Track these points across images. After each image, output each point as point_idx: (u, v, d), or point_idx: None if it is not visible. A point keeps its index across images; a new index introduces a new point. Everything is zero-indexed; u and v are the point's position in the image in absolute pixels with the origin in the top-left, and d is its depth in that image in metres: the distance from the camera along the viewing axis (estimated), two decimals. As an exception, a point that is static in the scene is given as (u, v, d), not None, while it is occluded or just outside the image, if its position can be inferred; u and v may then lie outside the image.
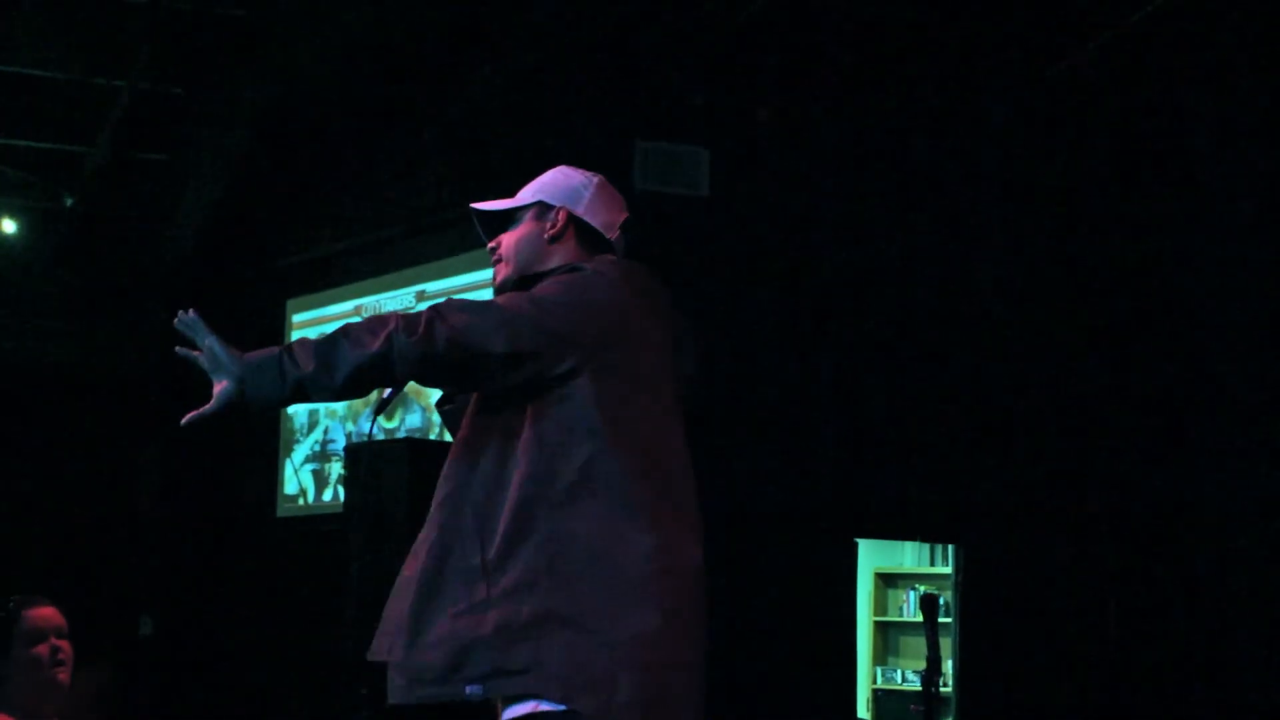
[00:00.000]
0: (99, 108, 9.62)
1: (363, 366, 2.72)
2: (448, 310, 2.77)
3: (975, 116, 8.81)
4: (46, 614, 3.87)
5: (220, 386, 2.79)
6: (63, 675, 3.85)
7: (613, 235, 3.14)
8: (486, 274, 8.81)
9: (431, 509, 2.94)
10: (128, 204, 11.11)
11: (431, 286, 9.33)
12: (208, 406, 2.82)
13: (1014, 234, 9.09)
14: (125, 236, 11.40)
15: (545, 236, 3.08)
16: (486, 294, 8.60)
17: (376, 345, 2.71)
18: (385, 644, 2.91)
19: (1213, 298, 8.74)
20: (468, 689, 2.78)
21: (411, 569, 2.91)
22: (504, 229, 3.14)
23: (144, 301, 11.73)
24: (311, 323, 10.40)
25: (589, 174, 3.17)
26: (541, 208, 3.11)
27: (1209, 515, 8.60)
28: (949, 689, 9.41)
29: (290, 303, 10.67)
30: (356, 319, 9.52)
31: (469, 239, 9.12)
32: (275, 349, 2.77)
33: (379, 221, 9.88)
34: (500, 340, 2.76)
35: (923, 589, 11.43)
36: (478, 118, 8.94)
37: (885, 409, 8.73)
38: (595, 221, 3.11)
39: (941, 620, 10.12)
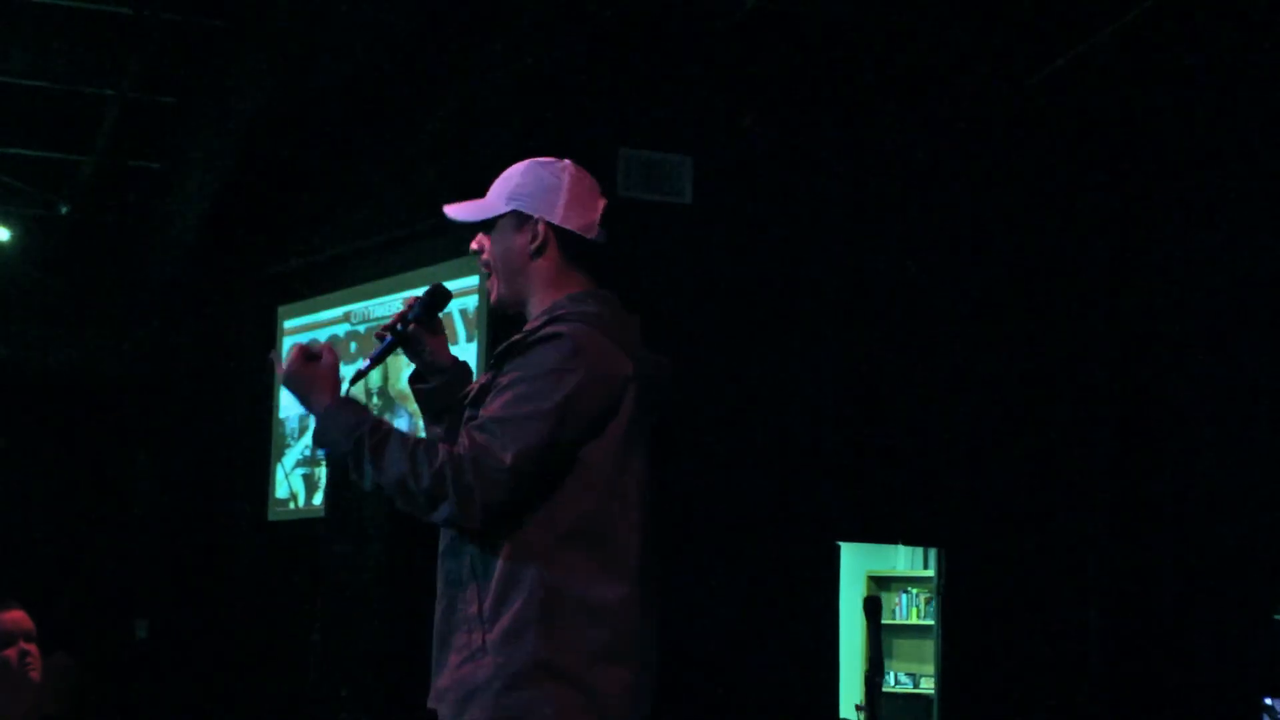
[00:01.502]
0: (91, 117, 9.70)
1: (397, 495, 2.86)
2: (470, 472, 2.80)
3: (963, 121, 8.85)
4: (16, 617, 3.94)
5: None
6: (33, 674, 3.93)
7: (593, 234, 3.11)
8: (473, 280, 8.89)
9: (439, 558, 3.01)
10: (120, 212, 11.20)
11: (421, 293, 9.37)
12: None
13: (1000, 238, 9.13)
14: (118, 244, 11.47)
15: (528, 251, 3.08)
16: (472, 301, 8.63)
17: (424, 492, 2.82)
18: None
19: (1204, 300, 8.78)
20: None
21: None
22: (484, 227, 3.15)
23: (137, 308, 11.81)
24: (303, 329, 10.46)
25: (558, 167, 3.13)
26: (518, 217, 3.09)
27: (1193, 518, 8.64)
28: (931, 691, 9.47)
29: (281, 309, 10.73)
30: (346, 325, 9.51)
31: (458, 246, 9.18)
32: (366, 420, 2.91)
33: (369, 228, 9.94)
34: (522, 480, 2.81)
35: (915, 592, 11.52)
36: (464, 125, 9.00)
37: (868, 412, 8.77)
38: (574, 226, 3.08)
39: (926, 623, 10.28)
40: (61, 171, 10.65)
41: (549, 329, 2.91)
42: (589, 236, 3.11)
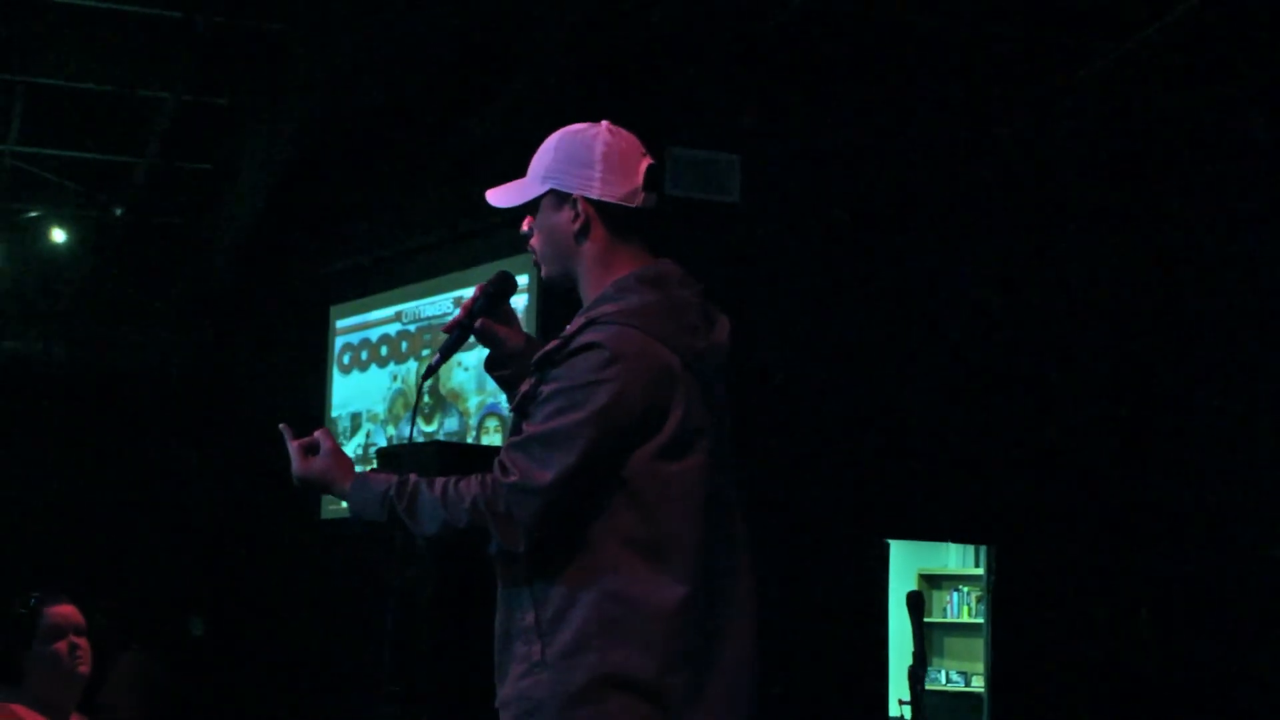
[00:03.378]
0: (145, 119, 9.80)
1: (447, 538, 2.81)
2: (504, 498, 2.73)
3: (1006, 122, 8.82)
4: (66, 611, 3.95)
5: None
6: (82, 668, 3.94)
7: (638, 201, 2.89)
8: (521, 280, 8.92)
9: (497, 566, 2.92)
10: (174, 213, 11.31)
11: (469, 293, 9.40)
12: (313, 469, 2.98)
13: (1045, 239, 9.10)
14: (172, 245, 11.58)
15: (571, 232, 2.91)
16: (523, 301, 8.66)
17: (467, 531, 2.77)
18: None
19: (1247, 298, 8.73)
20: None
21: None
22: (527, 209, 3.01)
23: (191, 309, 11.93)
24: (354, 328, 10.54)
25: (590, 134, 2.93)
26: (556, 195, 2.92)
27: (1244, 518, 8.59)
28: (982, 689, 9.45)
29: (333, 309, 10.81)
30: (398, 325, 9.56)
31: (508, 246, 9.23)
32: (390, 485, 2.84)
33: (420, 228, 9.99)
34: (560, 499, 2.73)
35: (967, 590, 11.49)
36: (514, 124, 9.03)
37: (918, 410, 8.76)
38: (616, 196, 2.88)
39: (978, 621, 10.25)
40: (116, 174, 10.77)
41: (585, 337, 2.76)
42: (633, 205, 2.89)
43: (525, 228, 3.02)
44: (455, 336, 3.11)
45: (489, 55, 8.73)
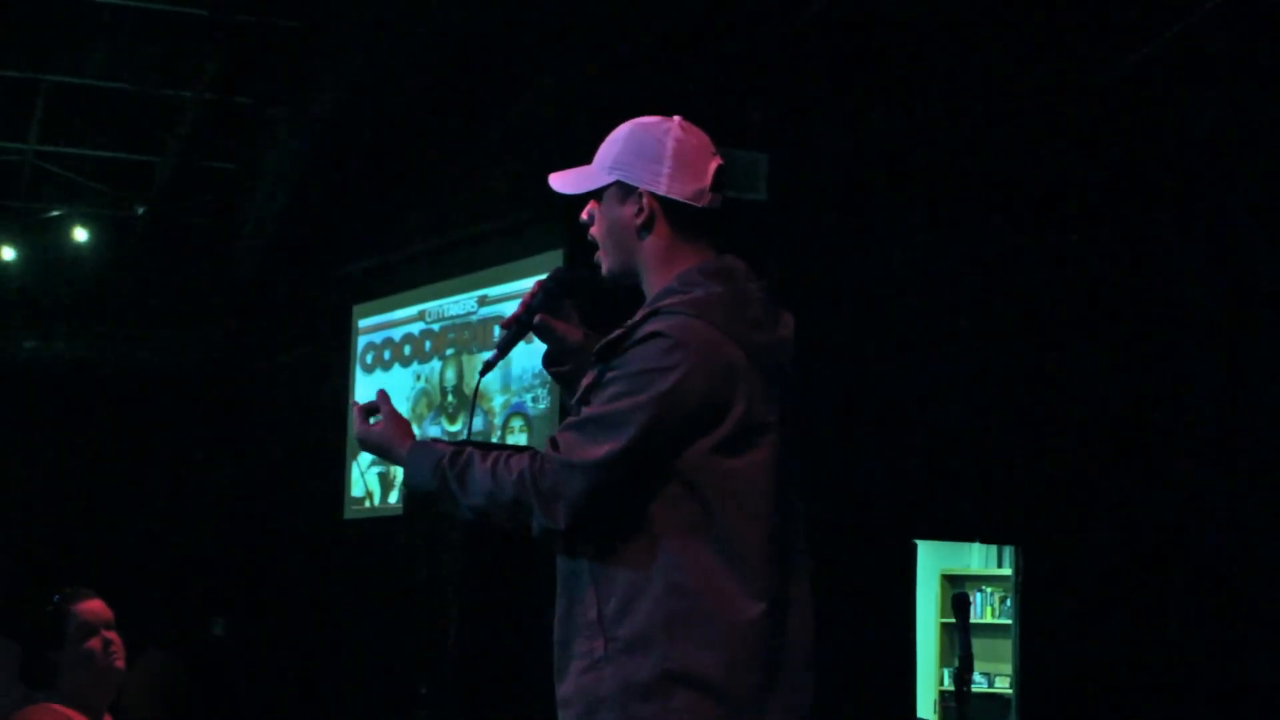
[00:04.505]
0: (168, 118, 9.79)
1: (492, 512, 2.76)
2: (553, 473, 2.69)
3: (1034, 121, 8.78)
4: (95, 607, 3.89)
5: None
6: (118, 663, 3.89)
7: (704, 201, 2.82)
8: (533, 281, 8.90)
9: (558, 563, 2.87)
10: (196, 212, 11.30)
11: (494, 291, 9.42)
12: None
13: (1081, 236, 9.05)
14: (194, 244, 11.58)
15: (634, 226, 2.85)
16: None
17: (510, 502, 2.72)
18: None
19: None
20: None
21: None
22: (591, 195, 2.93)
23: (213, 308, 11.92)
24: (377, 327, 10.51)
25: (662, 129, 2.85)
26: (621, 187, 2.85)
27: (1276, 516, 8.55)
28: (1010, 690, 9.40)
29: (356, 308, 10.79)
30: (421, 324, 9.56)
31: (531, 244, 9.21)
32: (445, 453, 2.81)
33: (443, 227, 9.97)
34: (609, 480, 2.68)
35: (990, 591, 11.44)
36: (538, 124, 9.01)
37: (945, 410, 8.73)
38: (683, 195, 2.81)
39: (1003, 622, 10.21)
40: (138, 173, 10.76)
41: (649, 327, 2.71)
42: (700, 204, 2.83)
43: (585, 215, 2.95)
44: (514, 332, 3.05)
45: (512, 53, 8.71)
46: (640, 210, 2.84)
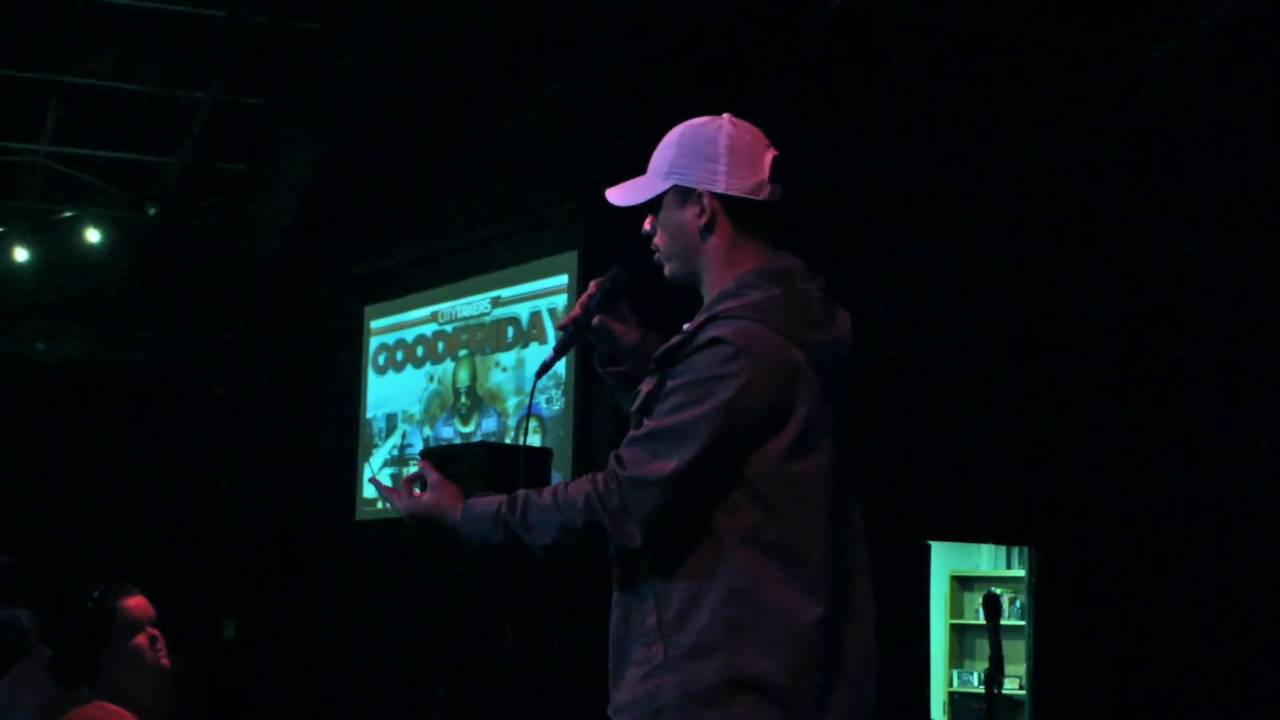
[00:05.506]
0: (180, 119, 9.80)
1: (566, 544, 2.74)
2: (619, 492, 2.68)
3: (1039, 130, 8.78)
4: (140, 603, 3.79)
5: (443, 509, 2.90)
6: (164, 660, 3.78)
7: (764, 194, 2.81)
8: (560, 280, 8.92)
9: (613, 564, 2.83)
10: (209, 213, 11.31)
11: (506, 293, 9.43)
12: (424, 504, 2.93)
13: (1096, 235, 9.06)
14: (206, 245, 11.58)
15: (697, 229, 2.82)
16: (560, 300, 8.64)
17: (584, 530, 2.71)
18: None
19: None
20: None
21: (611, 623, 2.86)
22: (649, 207, 2.92)
23: (225, 309, 11.93)
24: (389, 329, 10.53)
25: (713, 128, 2.85)
26: (680, 192, 2.84)
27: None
28: (1023, 691, 9.41)
29: (368, 309, 10.81)
30: (434, 325, 9.55)
31: (544, 246, 9.23)
32: (500, 503, 2.80)
33: (454, 229, 9.99)
34: (679, 494, 2.66)
35: (999, 592, 11.45)
36: (551, 125, 9.02)
37: (958, 412, 8.73)
38: (741, 190, 2.79)
39: (1014, 623, 10.22)
40: (150, 174, 10.77)
41: (708, 333, 2.69)
42: (759, 198, 2.80)
43: (648, 226, 2.94)
44: (571, 334, 3.04)
45: (525, 55, 8.72)
46: (702, 211, 2.82)
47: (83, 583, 3.86)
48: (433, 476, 2.92)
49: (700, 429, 2.63)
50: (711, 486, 2.67)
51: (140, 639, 3.74)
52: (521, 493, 2.79)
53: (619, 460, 2.70)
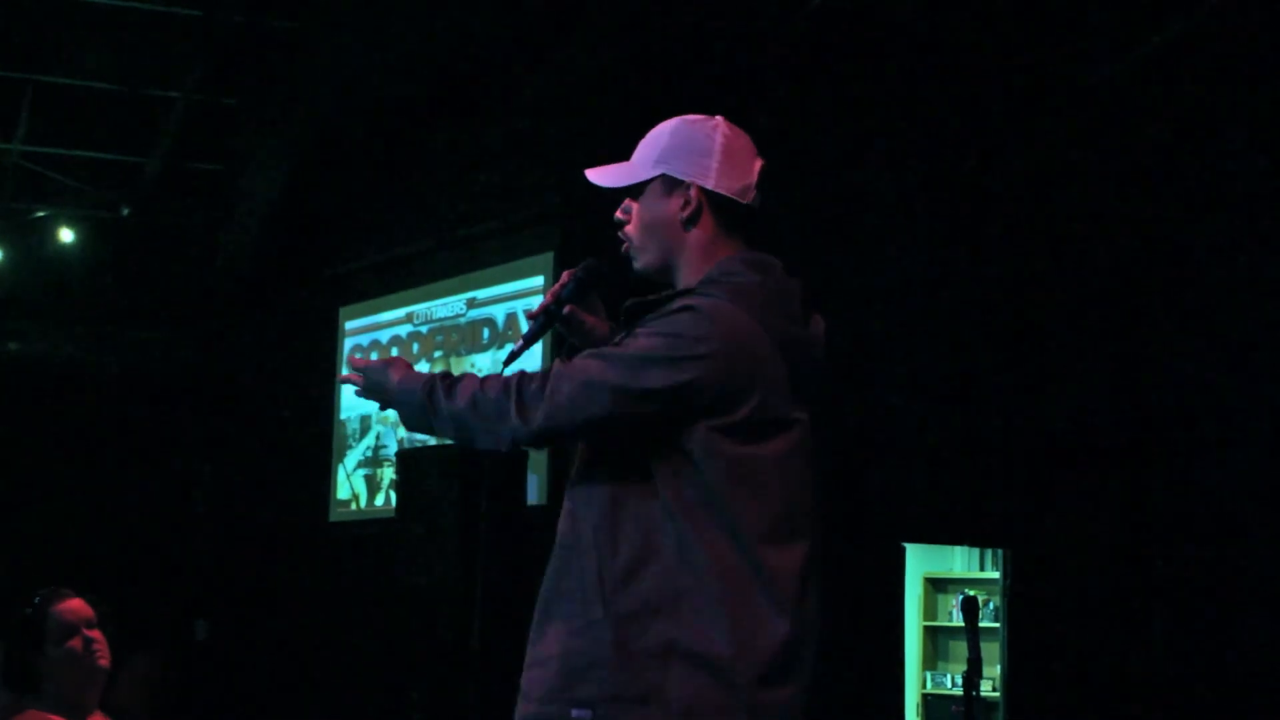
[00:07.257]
0: (154, 119, 9.78)
1: (470, 419, 2.74)
2: (551, 381, 2.69)
3: (1027, 126, 8.80)
4: (74, 606, 3.83)
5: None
6: (103, 662, 3.82)
7: (749, 199, 2.84)
8: (536, 281, 8.92)
9: (558, 527, 2.81)
10: (183, 213, 11.28)
11: (482, 294, 9.42)
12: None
13: (1078, 234, 9.07)
14: (180, 245, 11.55)
15: (679, 220, 2.85)
16: (536, 300, 8.65)
17: (492, 403, 2.71)
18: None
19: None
20: (574, 712, 2.62)
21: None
22: (630, 192, 2.93)
23: (199, 310, 11.89)
24: (364, 329, 10.50)
25: (710, 125, 2.88)
26: (667, 181, 2.86)
27: (1265, 519, 8.58)
28: (997, 694, 9.43)
29: (343, 310, 10.78)
30: (409, 326, 9.52)
31: (519, 246, 9.22)
32: (426, 380, 2.82)
33: (430, 229, 9.97)
34: (601, 407, 2.65)
35: (973, 594, 11.48)
36: (529, 126, 9.02)
37: (934, 413, 8.75)
38: (729, 190, 2.83)
39: (988, 625, 10.24)
40: (124, 173, 10.74)
41: (684, 300, 2.72)
42: (744, 201, 2.84)
43: (620, 214, 2.95)
44: (541, 323, 3.04)
45: (505, 59, 8.72)
46: (687, 203, 2.84)
47: (32, 589, 3.92)
48: (379, 354, 2.95)
49: (652, 365, 2.64)
50: (642, 437, 2.67)
51: (75, 642, 3.79)
52: (467, 374, 2.82)
53: (562, 363, 2.71)
